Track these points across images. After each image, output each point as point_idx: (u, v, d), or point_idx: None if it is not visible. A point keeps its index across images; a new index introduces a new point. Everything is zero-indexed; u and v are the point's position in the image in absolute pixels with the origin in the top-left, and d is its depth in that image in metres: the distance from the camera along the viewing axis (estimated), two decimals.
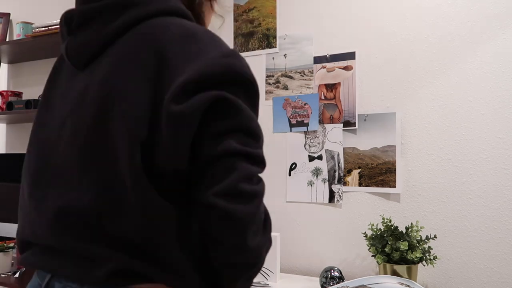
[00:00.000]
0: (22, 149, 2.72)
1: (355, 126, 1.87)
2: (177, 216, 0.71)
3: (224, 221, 0.67)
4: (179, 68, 0.71)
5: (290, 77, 2.02)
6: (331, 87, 1.93)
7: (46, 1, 2.70)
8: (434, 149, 1.74)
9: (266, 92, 2.08)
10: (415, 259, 1.54)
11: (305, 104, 1.97)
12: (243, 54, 2.13)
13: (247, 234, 0.68)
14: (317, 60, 1.96)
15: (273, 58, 2.06)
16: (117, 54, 0.75)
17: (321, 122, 1.94)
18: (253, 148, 0.71)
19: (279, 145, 2.03)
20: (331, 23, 1.95)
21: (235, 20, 2.16)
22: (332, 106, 1.92)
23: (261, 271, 1.71)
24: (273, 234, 1.76)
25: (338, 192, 1.89)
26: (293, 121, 2.00)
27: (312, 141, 1.96)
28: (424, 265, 1.65)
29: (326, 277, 1.63)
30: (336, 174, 1.90)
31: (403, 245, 1.53)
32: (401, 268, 1.54)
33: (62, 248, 0.74)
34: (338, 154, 1.90)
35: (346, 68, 1.90)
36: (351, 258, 1.86)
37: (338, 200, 1.89)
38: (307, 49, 1.99)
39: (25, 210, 0.82)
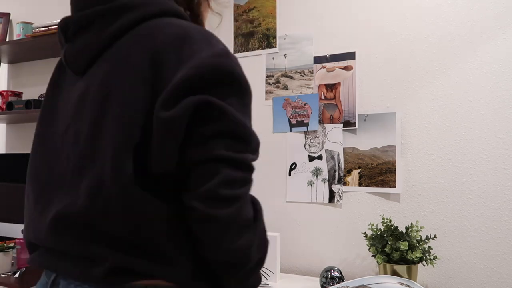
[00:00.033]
0: (22, 149, 2.72)
1: (355, 126, 1.87)
2: (172, 216, 0.73)
3: (204, 224, 0.70)
4: (171, 72, 0.71)
5: (290, 77, 2.02)
6: (331, 87, 1.93)
7: (46, 1, 2.70)
8: (434, 149, 1.74)
9: (266, 92, 2.08)
10: (415, 259, 1.54)
11: (305, 104, 1.97)
12: (243, 54, 2.13)
13: (227, 235, 0.70)
14: (317, 60, 1.96)
15: (273, 58, 2.06)
16: (115, 56, 0.76)
17: (321, 122, 1.94)
18: (238, 152, 0.71)
19: (279, 145, 2.03)
20: (331, 23, 1.95)
21: (235, 20, 2.16)
22: (332, 106, 1.92)
23: (261, 271, 1.71)
24: (273, 234, 1.76)
25: (338, 192, 1.90)
26: (293, 121, 2.00)
27: (312, 141, 1.96)
28: (424, 265, 1.65)
29: (326, 277, 1.63)
30: (336, 174, 1.90)
31: (403, 245, 1.53)
32: (401, 268, 1.54)
33: (62, 250, 0.76)
34: (338, 154, 1.90)
35: (346, 68, 1.90)
36: (351, 258, 1.86)
37: (338, 200, 1.90)
38: (307, 49, 1.99)
39: (31, 216, 0.83)
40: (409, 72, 1.79)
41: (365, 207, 1.84)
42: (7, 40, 2.73)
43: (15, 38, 2.65)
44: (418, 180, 1.76)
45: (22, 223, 2.41)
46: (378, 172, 1.82)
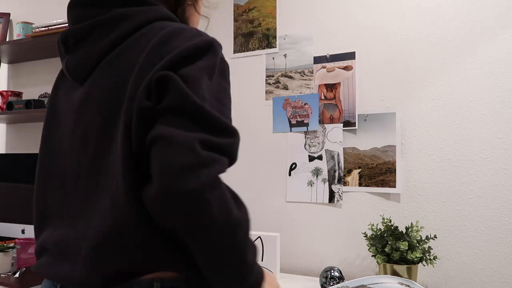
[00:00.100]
0: (22, 149, 2.72)
1: (355, 126, 1.87)
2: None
3: (162, 147, 0.67)
4: (153, 68, 0.74)
5: (290, 77, 2.02)
6: (331, 87, 1.93)
7: (46, 1, 2.70)
8: (434, 149, 1.74)
9: (266, 92, 2.08)
10: (415, 259, 1.54)
11: (305, 104, 1.97)
12: (243, 54, 2.13)
13: (176, 157, 0.66)
14: (317, 60, 1.96)
15: (273, 58, 2.06)
16: (115, 62, 0.79)
17: (321, 122, 1.94)
18: (184, 129, 0.68)
19: (279, 145, 2.03)
20: (331, 23, 1.94)
21: (235, 20, 2.16)
22: (332, 106, 1.92)
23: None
24: (273, 234, 1.76)
25: (338, 192, 1.89)
26: (293, 121, 2.00)
27: (312, 141, 1.96)
28: (424, 265, 1.65)
29: (326, 277, 1.63)
30: (336, 174, 1.90)
31: (403, 245, 1.53)
32: (401, 268, 1.54)
33: (61, 252, 0.78)
34: (338, 154, 1.90)
35: (346, 68, 1.90)
36: (351, 258, 1.86)
37: (338, 200, 1.89)
38: (307, 49, 1.99)
39: (55, 222, 0.84)
40: (409, 72, 1.79)
41: (365, 207, 1.84)
42: (7, 40, 2.73)
43: (15, 38, 2.65)
44: (418, 180, 1.76)
45: (22, 223, 2.41)
46: (378, 172, 1.82)
